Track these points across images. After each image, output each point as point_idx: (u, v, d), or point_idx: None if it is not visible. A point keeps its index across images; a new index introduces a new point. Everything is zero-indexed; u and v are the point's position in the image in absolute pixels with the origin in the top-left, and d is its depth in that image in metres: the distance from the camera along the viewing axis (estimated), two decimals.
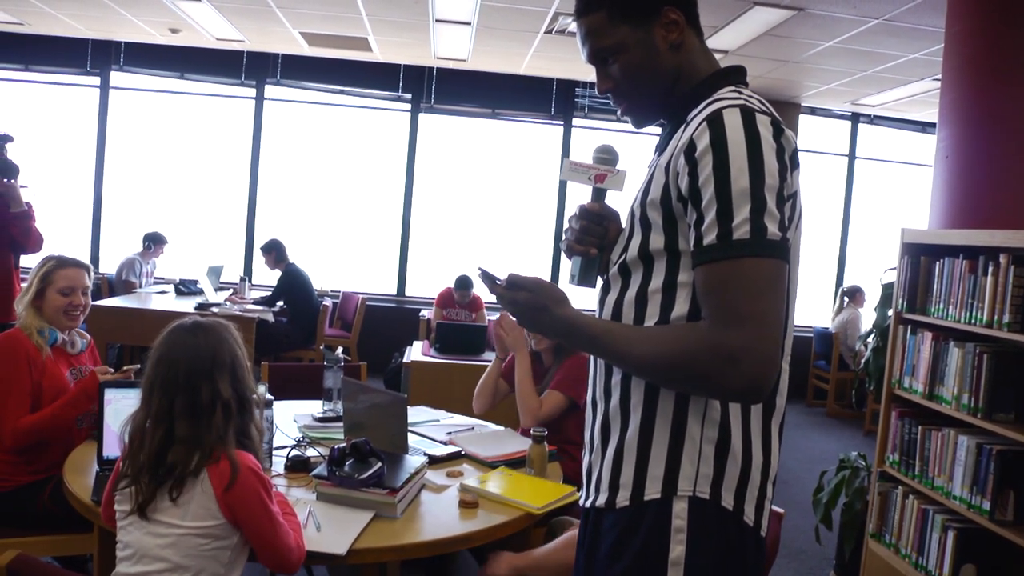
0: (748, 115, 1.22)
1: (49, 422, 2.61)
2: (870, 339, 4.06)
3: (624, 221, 1.43)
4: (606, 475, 1.38)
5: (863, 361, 4.06)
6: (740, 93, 1.30)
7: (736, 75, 1.39)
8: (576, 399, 3.07)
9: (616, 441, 1.37)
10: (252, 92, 8.55)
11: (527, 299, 1.37)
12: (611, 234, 1.47)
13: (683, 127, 1.31)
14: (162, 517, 1.73)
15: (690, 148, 1.23)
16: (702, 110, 1.28)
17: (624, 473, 1.34)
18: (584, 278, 1.46)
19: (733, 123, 1.21)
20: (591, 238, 1.45)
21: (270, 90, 8.58)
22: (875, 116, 8.79)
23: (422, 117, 8.71)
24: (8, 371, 2.60)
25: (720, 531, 1.31)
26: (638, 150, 8.68)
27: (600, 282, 1.46)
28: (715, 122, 1.22)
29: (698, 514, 1.30)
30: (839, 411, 8.00)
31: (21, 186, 4.41)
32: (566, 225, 1.50)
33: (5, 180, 4.37)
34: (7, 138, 4.49)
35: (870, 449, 3.54)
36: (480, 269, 1.44)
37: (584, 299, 1.48)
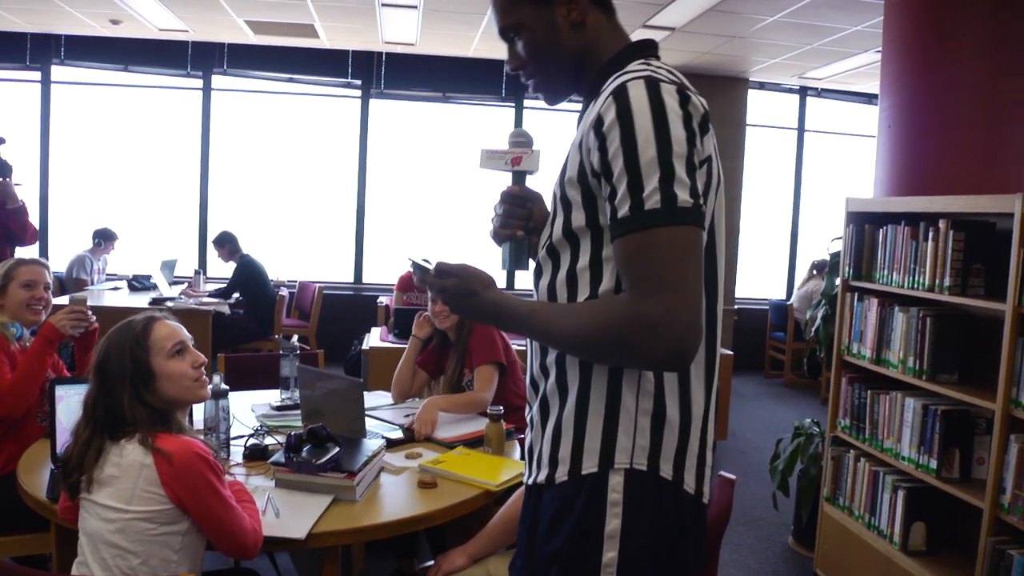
0: (653, 85, 1.23)
1: (26, 375, 2.67)
2: (820, 308, 4.14)
3: (548, 204, 1.44)
4: (546, 451, 1.39)
5: (813, 329, 4.14)
6: (648, 65, 1.31)
7: (646, 48, 1.40)
8: (501, 360, 3.21)
9: (555, 417, 1.38)
10: (199, 83, 8.40)
11: (456, 285, 1.40)
12: (536, 215, 1.50)
13: (594, 102, 1.32)
14: (108, 501, 1.74)
15: (598, 123, 1.24)
16: (609, 84, 1.29)
17: (562, 448, 1.36)
18: (515, 262, 1.49)
19: (638, 95, 1.22)
20: (516, 221, 1.48)
21: (217, 80, 8.44)
22: (822, 89, 8.91)
23: (373, 103, 8.64)
24: None
25: (656, 503, 1.32)
26: None
27: (532, 264, 1.48)
28: (620, 95, 1.23)
29: (634, 487, 1.31)
30: (796, 381, 8.15)
31: (16, 184, 4.77)
32: (491, 214, 1.51)
33: (1, 179, 4.70)
34: (0, 140, 4.84)
35: (826, 416, 3.62)
36: (410, 260, 1.46)
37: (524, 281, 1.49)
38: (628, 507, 1.30)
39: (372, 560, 3.32)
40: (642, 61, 1.34)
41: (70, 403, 2.44)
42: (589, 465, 1.32)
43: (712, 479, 1.42)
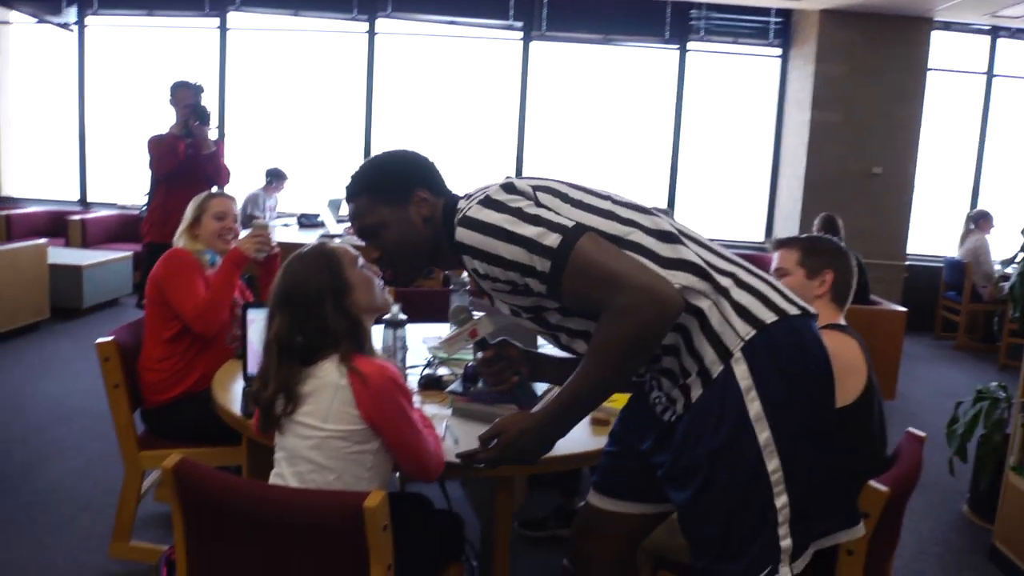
0: (468, 221, 1.54)
1: (217, 293, 2.89)
2: (1014, 265, 3.84)
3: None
4: (677, 387, 1.58)
5: (1008, 286, 3.84)
6: (458, 211, 1.60)
7: (454, 201, 1.69)
8: None
9: (678, 365, 1.57)
10: (364, 27, 8.60)
11: (506, 440, 1.60)
12: (513, 353, 1.83)
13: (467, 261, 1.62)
14: (306, 419, 1.80)
15: (475, 271, 1.59)
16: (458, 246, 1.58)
17: (691, 376, 1.55)
18: (528, 399, 1.81)
19: (469, 235, 1.54)
20: (505, 374, 1.83)
21: (382, 24, 8.60)
22: (1017, 29, 8.15)
23: (533, 45, 8.58)
24: (184, 275, 2.89)
25: (778, 356, 1.49)
26: (751, 71, 8.50)
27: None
28: (462, 244, 1.56)
29: (755, 357, 1.48)
30: (969, 344, 7.65)
31: (213, 127, 5.10)
32: (480, 385, 1.86)
33: (198, 124, 4.99)
34: (201, 88, 5.14)
35: (1012, 382, 3.37)
36: (460, 459, 1.71)
37: None
38: (759, 382, 1.48)
39: (534, 495, 3.38)
40: (457, 212, 1.61)
41: (260, 326, 2.57)
42: (716, 369, 1.51)
43: None
